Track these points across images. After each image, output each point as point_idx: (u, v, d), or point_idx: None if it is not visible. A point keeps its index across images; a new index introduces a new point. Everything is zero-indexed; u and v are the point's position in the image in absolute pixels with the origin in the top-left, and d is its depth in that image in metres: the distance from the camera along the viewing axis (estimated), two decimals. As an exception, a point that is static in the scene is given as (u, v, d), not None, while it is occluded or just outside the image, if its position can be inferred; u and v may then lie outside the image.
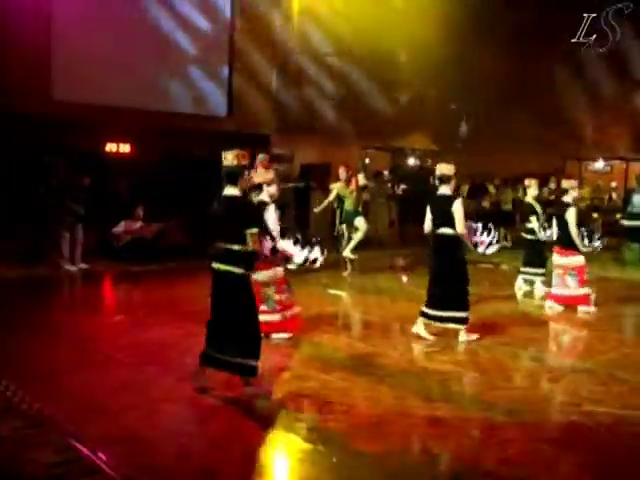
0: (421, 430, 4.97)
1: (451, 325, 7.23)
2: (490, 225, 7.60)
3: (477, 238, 7.51)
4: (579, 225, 8.93)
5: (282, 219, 7.06)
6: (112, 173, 13.45)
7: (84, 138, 12.77)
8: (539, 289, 9.96)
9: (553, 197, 13.45)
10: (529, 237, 10.00)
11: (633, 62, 19.33)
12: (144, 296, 9.72)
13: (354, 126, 17.47)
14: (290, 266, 6.32)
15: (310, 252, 6.20)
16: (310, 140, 17.42)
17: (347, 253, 11.80)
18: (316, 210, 12.69)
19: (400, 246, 15.88)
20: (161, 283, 10.53)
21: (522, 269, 10.14)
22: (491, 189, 18.35)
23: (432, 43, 16.71)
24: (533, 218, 9.85)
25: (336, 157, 15.40)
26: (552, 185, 14.20)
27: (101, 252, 12.17)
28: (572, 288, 8.89)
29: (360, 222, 11.94)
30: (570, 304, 8.96)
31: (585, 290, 8.93)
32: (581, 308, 8.90)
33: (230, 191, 5.38)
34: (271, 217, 6.83)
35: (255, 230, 5.29)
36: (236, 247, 5.26)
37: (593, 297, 8.99)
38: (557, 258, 9.02)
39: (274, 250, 5.95)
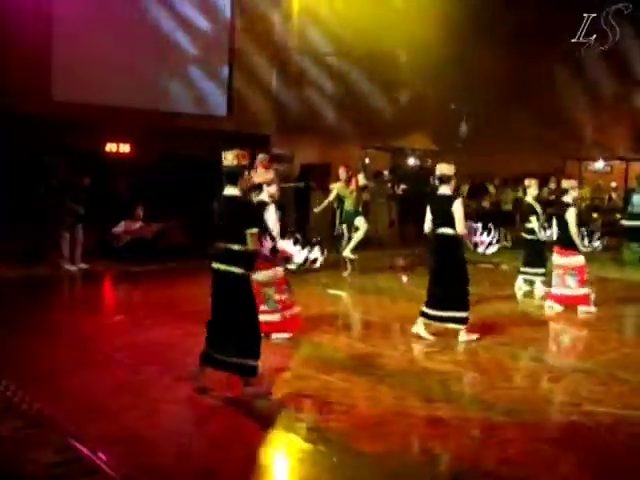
0: (421, 430, 4.97)
1: (451, 325, 7.23)
2: (490, 225, 7.60)
3: (477, 238, 7.51)
4: (579, 225, 8.93)
5: (282, 219, 7.06)
6: (112, 173, 13.45)
7: (84, 138, 12.76)
8: (539, 289, 9.96)
9: (553, 197, 13.45)
10: (529, 237, 9.99)
11: (633, 62, 19.32)
12: (144, 296, 9.71)
13: (354, 126, 17.47)
14: (290, 266, 6.32)
15: (310, 252, 6.19)
16: (310, 140, 17.43)
17: (347, 253, 11.81)
18: (316, 210, 12.70)
19: (400, 246, 15.88)
20: (161, 283, 10.53)
21: (522, 269, 10.14)
22: (491, 189, 18.37)
23: (432, 43, 16.71)
24: (533, 218, 9.84)
25: (336, 157, 15.41)
26: (552, 185, 14.19)
27: (101, 252, 12.17)
28: (572, 288, 8.89)
29: (360, 222, 11.95)
30: (570, 304, 8.95)
31: (585, 290, 8.92)
32: (581, 308, 8.89)
33: (230, 191, 5.38)
34: (271, 217, 6.83)
35: (255, 230, 5.29)
36: (236, 247, 5.26)
37: (593, 297, 8.99)
38: (557, 258, 9.01)
39: (274, 250, 5.95)
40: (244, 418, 5.05)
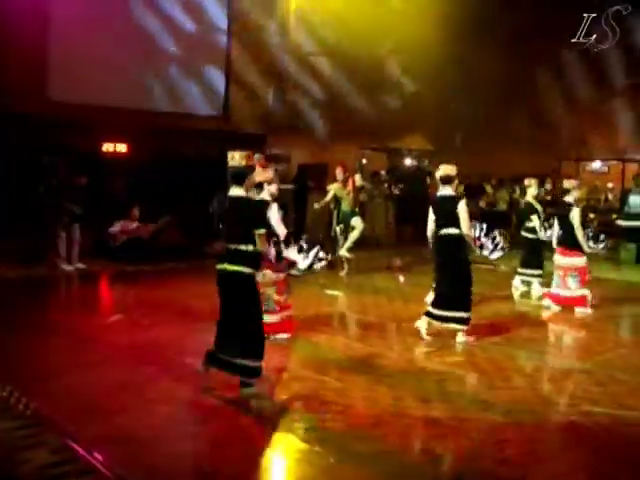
0: (418, 431, 4.97)
1: (453, 325, 7.21)
2: (496, 231, 7.63)
3: (483, 239, 7.52)
4: (583, 226, 8.92)
5: (284, 218, 7.06)
6: (109, 173, 13.43)
7: (81, 138, 12.74)
8: (536, 290, 9.96)
9: (549, 197, 13.46)
10: (530, 236, 9.98)
11: (631, 62, 19.33)
12: (141, 296, 9.69)
13: (350, 126, 17.45)
14: (294, 272, 6.30)
15: (316, 258, 6.17)
16: (307, 140, 17.42)
17: (343, 252, 11.80)
18: (316, 205, 12.64)
19: (397, 246, 15.88)
20: (158, 283, 10.51)
21: (520, 270, 10.14)
22: (488, 189, 18.37)
23: (429, 43, 16.71)
24: (534, 217, 9.83)
25: (333, 158, 15.39)
26: (547, 186, 14.20)
27: (98, 252, 12.15)
28: (572, 289, 8.87)
29: (357, 221, 11.96)
30: (568, 305, 8.95)
31: (584, 291, 8.91)
32: (578, 309, 8.89)
33: (236, 191, 5.37)
34: (274, 216, 6.81)
35: (263, 231, 5.32)
36: (244, 247, 5.26)
37: (590, 298, 8.99)
38: (559, 258, 8.99)
39: (279, 257, 5.94)
40: (241, 418, 5.04)
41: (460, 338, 7.21)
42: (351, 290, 10.61)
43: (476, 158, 17.17)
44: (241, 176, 5.37)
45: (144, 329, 7.52)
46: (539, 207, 9.95)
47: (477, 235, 7.56)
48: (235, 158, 5.37)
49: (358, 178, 12.61)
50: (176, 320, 7.77)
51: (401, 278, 12.12)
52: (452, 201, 7.16)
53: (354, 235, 11.91)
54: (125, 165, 13.71)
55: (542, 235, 9.70)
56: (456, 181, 7.33)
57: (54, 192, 11.08)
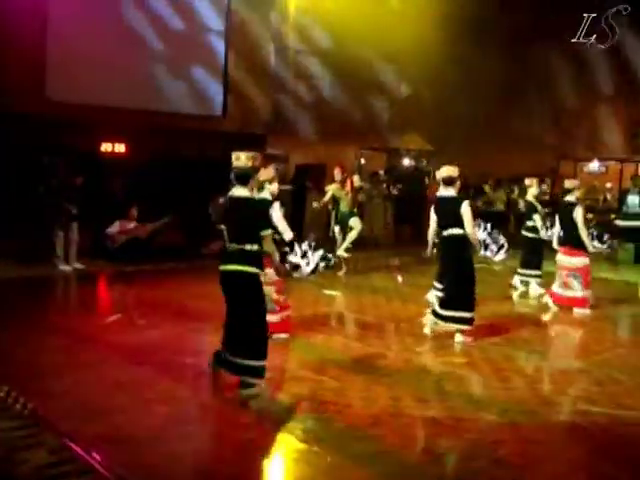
0: (417, 430, 4.98)
1: (456, 325, 7.21)
2: (501, 237, 7.66)
3: (488, 241, 7.54)
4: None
5: (285, 216, 7.06)
6: (107, 173, 13.42)
7: (80, 138, 12.72)
8: (534, 289, 9.98)
9: (547, 197, 13.47)
10: (530, 235, 9.98)
11: (630, 62, 19.35)
12: (139, 296, 9.68)
13: (349, 126, 17.46)
14: (296, 275, 6.30)
15: (319, 262, 6.17)
16: (305, 141, 17.41)
17: (341, 252, 11.81)
18: (315, 204, 12.64)
19: (395, 246, 15.89)
20: (156, 283, 10.50)
21: (519, 270, 10.15)
22: (487, 189, 18.39)
23: (429, 43, 16.73)
24: (537, 217, 9.82)
25: (331, 158, 15.40)
26: (544, 186, 14.21)
27: (96, 252, 12.14)
28: (574, 290, 8.87)
29: (355, 222, 11.97)
30: (568, 305, 8.96)
31: (587, 293, 8.91)
32: (577, 310, 8.90)
33: (240, 192, 5.37)
34: (276, 214, 6.82)
35: (269, 231, 5.35)
36: (249, 247, 5.26)
37: (591, 300, 8.99)
38: (562, 258, 8.98)
39: (283, 259, 5.94)
40: (240, 418, 5.04)
41: (458, 338, 7.22)
42: (349, 290, 10.62)
43: (475, 158, 17.18)
44: (247, 177, 5.37)
45: (142, 329, 7.52)
46: (539, 207, 9.96)
47: (483, 238, 7.59)
48: (241, 159, 5.36)
49: (356, 179, 12.62)
50: (175, 320, 7.77)
51: (399, 278, 12.13)
52: (455, 202, 7.16)
53: (352, 235, 11.92)
54: (124, 165, 13.70)
55: (543, 234, 9.70)
56: (458, 182, 7.33)
57: (54, 192, 11.07)
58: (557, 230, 9.20)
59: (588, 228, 9.03)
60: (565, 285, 8.92)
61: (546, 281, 9.80)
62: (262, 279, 5.52)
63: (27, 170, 11.67)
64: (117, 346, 6.75)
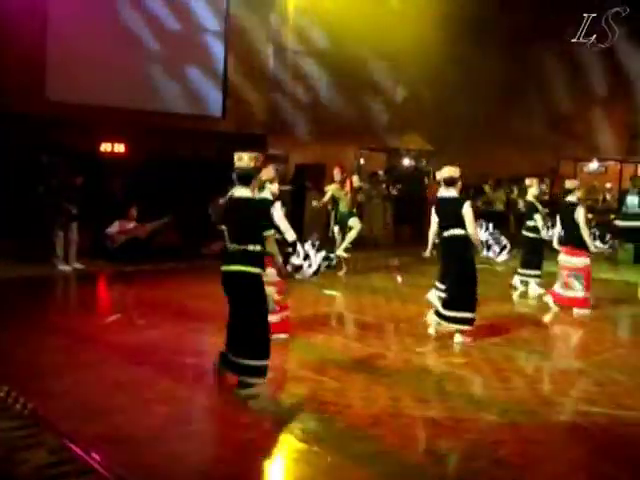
0: (417, 431, 4.98)
1: (457, 326, 7.21)
2: (504, 238, 7.65)
3: (490, 241, 7.54)
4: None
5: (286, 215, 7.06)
6: (107, 173, 13.42)
7: (79, 138, 12.72)
8: (533, 289, 9.98)
9: (547, 197, 13.48)
10: (531, 235, 9.98)
11: (629, 63, 19.36)
12: (139, 296, 9.68)
13: (349, 127, 17.45)
14: (298, 277, 6.30)
15: (322, 263, 6.16)
16: (304, 141, 17.41)
17: (340, 252, 11.80)
18: (314, 203, 12.63)
19: (395, 246, 15.89)
20: (156, 283, 10.49)
21: (519, 270, 10.14)
22: (487, 189, 18.39)
23: (429, 43, 16.74)
24: (538, 216, 9.82)
25: (331, 158, 15.39)
26: (543, 186, 14.22)
27: (96, 252, 12.13)
28: (576, 290, 8.86)
29: (354, 222, 11.98)
30: (569, 305, 8.95)
31: (587, 294, 8.90)
32: (577, 310, 8.89)
33: (242, 192, 5.36)
34: (278, 214, 6.81)
35: (272, 232, 5.36)
36: (252, 247, 5.26)
37: (591, 301, 9.00)
38: (564, 258, 8.98)
39: (286, 260, 5.93)
40: (238, 418, 5.03)
41: (457, 338, 7.22)
42: (349, 290, 10.62)
43: (475, 158, 17.18)
44: (249, 177, 5.36)
45: (142, 329, 7.52)
46: (540, 207, 9.96)
47: (485, 238, 7.59)
48: (243, 159, 5.35)
49: (356, 179, 12.62)
50: (174, 320, 7.76)
51: (399, 278, 12.13)
52: (456, 203, 7.15)
53: (351, 235, 11.93)
54: (123, 165, 13.70)
55: (545, 234, 9.69)
56: (459, 183, 7.32)
57: (54, 192, 11.07)
58: (558, 230, 9.20)
59: (590, 228, 9.01)
60: (566, 285, 8.92)
61: (547, 281, 9.80)
62: (264, 278, 5.52)
63: (27, 170, 11.67)
64: (117, 346, 6.75)
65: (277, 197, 7.07)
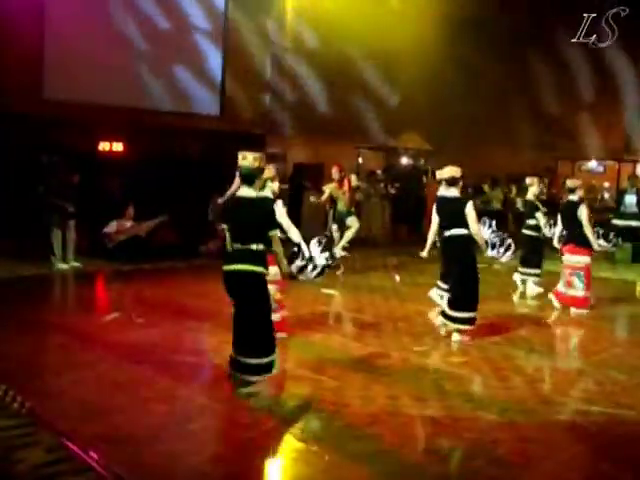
0: (415, 429, 4.97)
1: (460, 325, 7.20)
2: (508, 238, 7.65)
3: (494, 240, 7.53)
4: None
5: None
6: (105, 172, 13.41)
7: (78, 137, 12.73)
8: (531, 288, 9.97)
9: (544, 197, 13.45)
10: (531, 234, 9.97)
11: (628, 63, 19.37)
12: (137, 295, 9.66)
13: (347, 126, 17.45)
14: (301, 277, 6.29)
15: (327, 263, 6.15)
16: (303, 140, 17.40)
17: (338, 251, 11.79)
18: (312, 199, 12.62)
19: (393, 245, 15.88)
20: (154, 282, 10.47)
21: (519, 268, 10.13)
22: (486, 188, 18.40)
23: (428, 43, 16.75)
24: (539, 215, 9.79)
25: (329, 157, 15.39)
26: (541, 185, 14.19)
27: (94, 251, 12.12)
28: (577, 289, 8.85)
29: (352, 220, 11.97)
30: (569, 304, 8.95)
31: (588, 294, 8.90)
32: (574, 310, 8.89)
33: (246, 192, 5.35)
34: (279, 211, 6.80)
35: (277, 231, 5.35)
36: (255, 247, 5.25)
37: (591, 301, 9.00)
38: (566, 257, 8.97)
39: (291, 261, 5.92)
40: (237, 418, 5.03)
41: (455, 337, 7.21)
42: (347, 289, 10.60)
43: (473, 157, 17.19)
44: (253, 177, 5.35)
45: (141, 328, 7.50)
46: (541, 206, 9.95)
47: (489, 237, 7.59)
48: (247, 159, 5.33)
49: (354, 178, 12.61)
50: (173, 319, 7.75)
51: (397, 277, 12.12)
52: (458, 203, 7.14)
53: (349, 234, 11.93)
54: (121, 164, 13.69)
55: (547, 232, 9.68)
56: (461, 182, 7.31)
57: (54, 191, 11.05)
58: (558, 229, 9.19)
59: (593, 227, 9.01)
60: (568, 284, 8.91)
61: (547, 280, 9.79)
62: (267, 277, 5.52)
63: (26, 170, 11.66)
64: (115, 345, 6.73)
65: (277, 195, 7.07)
